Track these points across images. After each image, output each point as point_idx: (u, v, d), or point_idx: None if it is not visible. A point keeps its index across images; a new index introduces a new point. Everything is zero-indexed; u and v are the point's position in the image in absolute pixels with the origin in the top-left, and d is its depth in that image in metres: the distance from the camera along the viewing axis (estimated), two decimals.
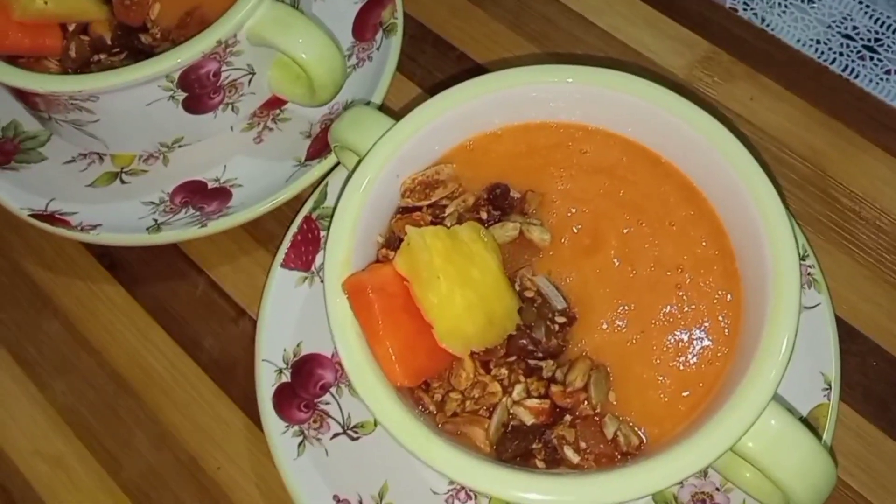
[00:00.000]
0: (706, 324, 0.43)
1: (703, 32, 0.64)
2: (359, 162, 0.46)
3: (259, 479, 0.52)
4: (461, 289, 0.41)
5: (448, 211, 0.46)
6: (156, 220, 0.57)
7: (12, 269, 0.60)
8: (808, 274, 0.50)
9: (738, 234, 0.44)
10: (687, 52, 0.64)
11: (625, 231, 0.45)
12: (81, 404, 0.55)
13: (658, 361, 0.42)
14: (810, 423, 0.46)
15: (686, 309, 0.43)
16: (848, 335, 0.53)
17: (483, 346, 0.42)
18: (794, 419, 0.39)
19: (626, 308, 0.44)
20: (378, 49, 0.61)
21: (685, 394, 0.41)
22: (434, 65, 0.65)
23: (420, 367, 0.41)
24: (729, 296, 0.43)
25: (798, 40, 0.65)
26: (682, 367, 0.42)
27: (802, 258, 0.50)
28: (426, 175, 0.47)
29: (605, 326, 0.43)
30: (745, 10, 0.66)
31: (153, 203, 0.58)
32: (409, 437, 0.38)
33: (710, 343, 0.42)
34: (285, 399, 0.49)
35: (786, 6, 0.66)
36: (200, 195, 0.58)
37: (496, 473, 0.38)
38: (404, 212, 0.47)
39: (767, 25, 0.65)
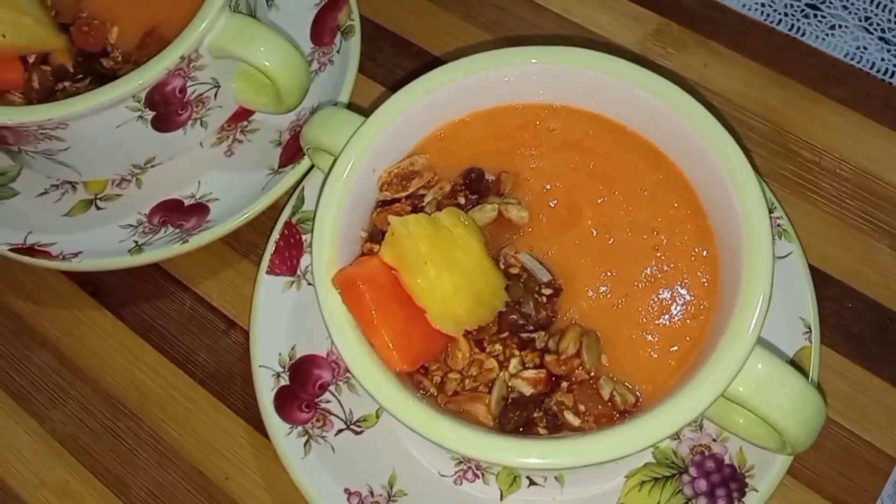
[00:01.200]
0: (686, 280, 0.44)
1: (652, 6, 0.66)
2: (334, 162, 0.47)
3: (268, 484, 0.52)
4: (448, 272, 0.42)
5: (427, 199, 0.47)
6: (136, 242, 0.57)
7: None
8: (778, 226, 0.52)
9: (708, 192, 0.46)
10: (638, 27, 0.66)
11: (599, 201, 0.47)
12: (81, 432, 0.55)
13: (644, 321, 0.44)
14: (797, 365, 0.48)
15: (665, 268, 0.45)
16: (821, 281, 0.55)
17: (475, 324, 0.43)
18: (780, 361, 0.40)
19: (609, 274, 0.45)
20: (338, 52, 0.62)
21: (673, 349, 0.43)
22: (394, 62, 0.66)
23: (416, 351, 0.42)
24: (705, 252, 0.45)
25: (744, 5, 0.67)
26: (667, 324, 0.43)
27: (770, 211, 0.52)
28: (401, 167, 0.48)
29: (590, 294, 0.45)
30: None
31: (131, 226, 0.58)
32: (414, 418, 0.39)
33: (692, 298, 0.44)
34: (286, 401, 0.50)
35: None
36: (178, 213, 0.59)
37: (502, 443, 0.39)
38: (384, 205, 0.48)
39: None
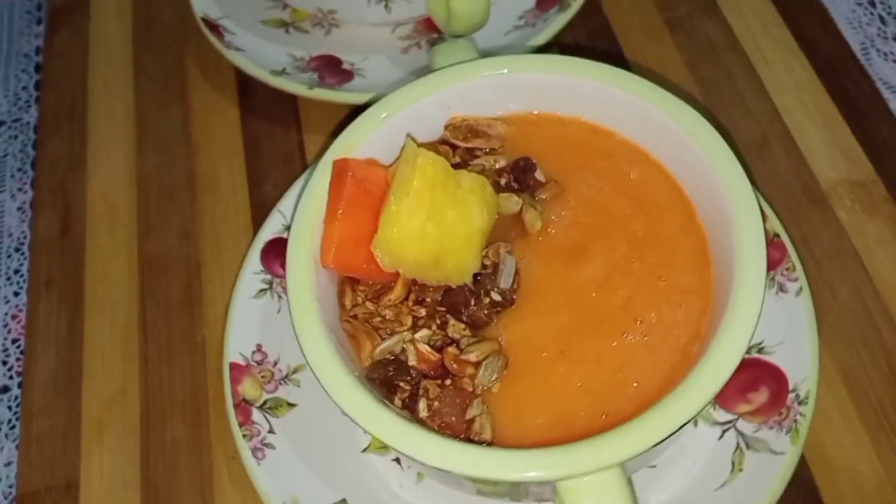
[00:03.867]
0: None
1: (874, 154, 0.58)
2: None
3: None
4: (427, 219, 0.42)
5: (475, 162, 0.47)
6: (284, 69, 0.63)
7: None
8: None
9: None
10: (843, 165, 0.58)
11: (614, 263, 0.43)
12: None
13: (552, 385, 0.40)
14: None
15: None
16: None
17: (414, 276, 0.43)
18: None
19: (563, 324, 0.42)
20: (545, 21, 0.63)
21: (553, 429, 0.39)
22: None
23: (352, 262, 0.43)
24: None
25: None
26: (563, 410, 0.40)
27: None
28: (478, 121, 0.48)
29: (532, 326, 0.42)
30: None
31: (293, 57, 0.64)
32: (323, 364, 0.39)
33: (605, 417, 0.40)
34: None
35: None
36: (331, 68, 0.64)
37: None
38: (440, 143, 0.48)
39: None
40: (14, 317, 0.62)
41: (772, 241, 0.50)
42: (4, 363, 0.59)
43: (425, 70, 0.60)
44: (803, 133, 0.59)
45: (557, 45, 0.64)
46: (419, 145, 0.45)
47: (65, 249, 0.62)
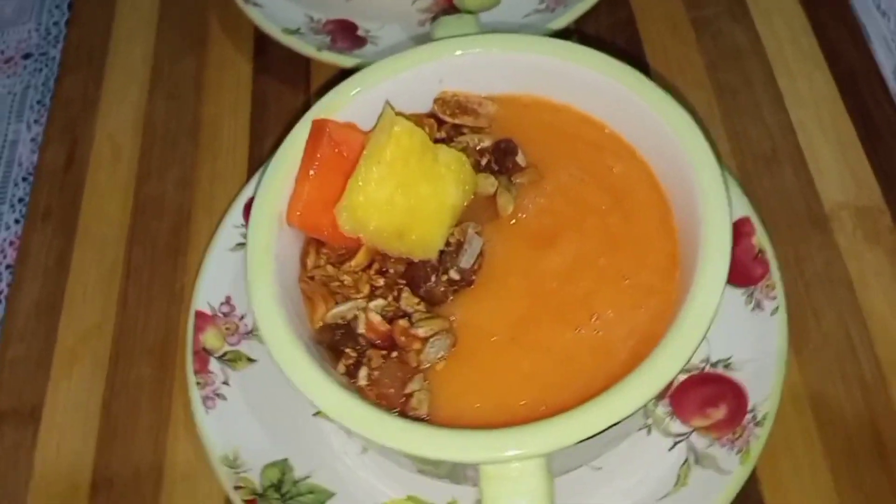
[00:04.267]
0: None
1: (885, 184, 0.55)
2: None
3: None
4: (396, 189, 0.42)
5: (459, 139, 0.46)
6: (298, 28, 0.63)
7: None
8: None
9: None
10: (852, 189, 0.55)
11: (581, 259, 0.42)
12: None
13: (497, 370, 0.40)
14: None
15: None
16: None
17: (376, 245, 0.42)
18: None
19: (519, 311, 0.41)
20: (565, 6, 0.61)
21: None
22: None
23: (317, 223, 0.43)
24: None
25: None
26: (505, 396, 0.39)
27: None
28: (468, 98, 0.47)
29: (488, 309, 0.41)
30: None
31: (310, 18, 0.64)
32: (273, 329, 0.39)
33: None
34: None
35: None
36: (345, 33, 0.63)
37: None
38: (428, 116, 0.48)
39: None
40: (11, 243, 0.63)
41: (756, 257, 0.49)
42: None
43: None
44: (815, 150, 0.57)
45: (577, 33, 0.63)
46: (406, 117, 0.44)
47: (66, 184, 0.63)
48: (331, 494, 0.46)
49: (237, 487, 0.45)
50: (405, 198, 0.42)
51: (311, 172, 0.43)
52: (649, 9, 0.65)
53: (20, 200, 0.65)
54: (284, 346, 0.38)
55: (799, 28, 0.62)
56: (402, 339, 0.41)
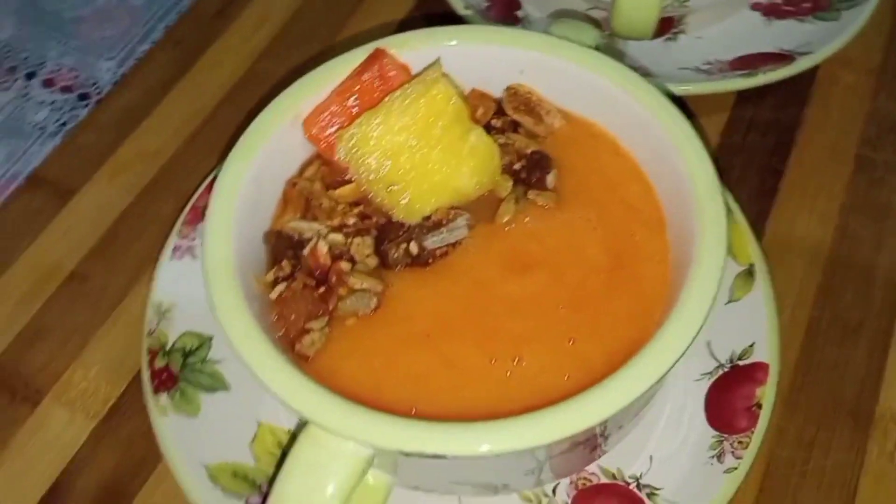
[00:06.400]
0: None
1: None
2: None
3: None
4: (408, 141, 0.40)
5: (509, 135, 0.44)
6: None
7: None
8: None
9: None
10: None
11: (540, 302, 0.39)
12: None
13: (393, 353, 0.38)
14: None
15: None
16: None
17: (361, 181, 0.41)
18: None
19: (449, 315, 0.38)
20: (723, 76, 0.56)
21: None
22: None
23: (329, 140, 0.42)
24: None
25: None
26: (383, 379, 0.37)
27: None
28: (540, 101, 0.45)
29: (423, 298, 0.39)
30: None
31: None
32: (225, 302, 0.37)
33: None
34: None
35: None
36: (505, 8, 0.62)
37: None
38: (492, 100, 0.45)
39: None
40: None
41: (750, 409, 0.42)
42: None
43: None
44: None
45: (731, 111, 0.58)
46: (465, 92, 0.42)
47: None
48: (227, 388, 0.46)
49: (150, 333, 0.46)
50: (412, 155, 0.41)
51: (348, 94, 0.42)
52: (820, 121, 0.58)
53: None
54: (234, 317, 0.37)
55: None
56: (334, 279, 0.40)
